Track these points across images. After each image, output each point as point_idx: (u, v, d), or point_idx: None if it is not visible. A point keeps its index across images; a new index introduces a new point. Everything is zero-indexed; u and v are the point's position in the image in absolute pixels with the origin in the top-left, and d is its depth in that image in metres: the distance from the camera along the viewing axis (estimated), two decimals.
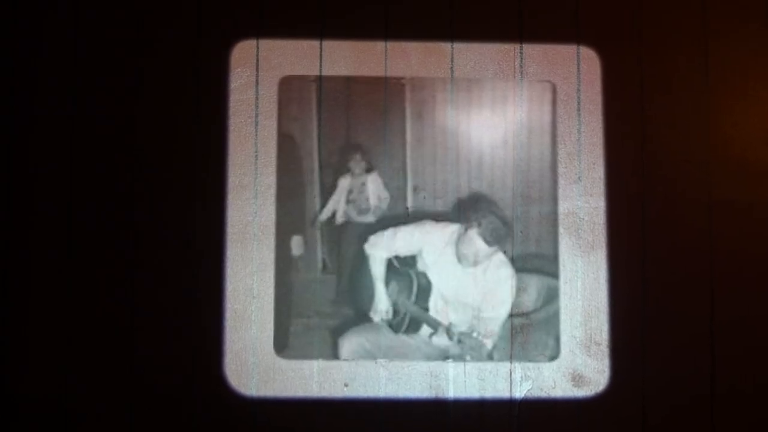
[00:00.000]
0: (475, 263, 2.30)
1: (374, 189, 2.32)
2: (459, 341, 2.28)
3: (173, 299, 2.25)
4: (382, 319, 2.29)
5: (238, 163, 2.30)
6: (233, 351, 2.25)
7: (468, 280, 2.31)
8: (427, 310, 2.31)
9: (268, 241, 2.29)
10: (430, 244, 2.32)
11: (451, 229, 2.32)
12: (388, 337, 2.30)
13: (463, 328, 2.28)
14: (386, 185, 2.33)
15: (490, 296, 2.30)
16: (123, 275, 2.26)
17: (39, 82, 2.30)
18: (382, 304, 2.31)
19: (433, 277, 2.32)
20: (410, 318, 2.30)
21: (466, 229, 2.30)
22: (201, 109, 2.30)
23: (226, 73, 2.31)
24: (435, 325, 2.30)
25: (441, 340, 2.29)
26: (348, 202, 2.33)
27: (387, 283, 2.32)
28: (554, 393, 2.27)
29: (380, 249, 2.31)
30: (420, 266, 2.33)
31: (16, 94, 2.30)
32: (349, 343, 2.28)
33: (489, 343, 2.27)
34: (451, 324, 2.29)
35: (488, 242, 2.28)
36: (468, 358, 2.26)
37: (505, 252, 2.31)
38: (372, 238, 2.31)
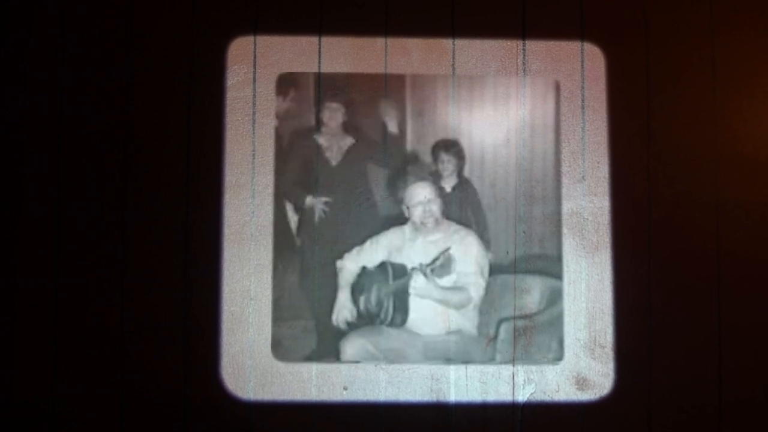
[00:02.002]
0: (427, 214, 2.28)
1: None
2: (432, 271, 2.26)
3: (168, 301, 2.22)
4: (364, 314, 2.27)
5: (235, 161, 2.27)
6: (230, 354, 2.22)
7: (436, 252, 2.29)
8: (404, 276, 2.29)
9: (266, 241, 2.26)
10: (395, 241, 2.30)
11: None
12: (390, 339, 2.26)
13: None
14: (357, 196, 2.31)
15: (458, 256, 2.29)
16: (115, 277, 2.22)
17: (27, 78, 2.27)
18: (344, 311, 2.28)
19: (405, 261, 2.30)
20: (394, 305, 2.27)
21: (403, 198, 2.31)
22: (197, 107, 2.27)
23: (223, 70, 2.28)
24: (410, 276, 2.28)
25: (418, 282, 2.27)
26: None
27: (353, 290, 2.29)
28: (558, 397, 2.24)
29: (351, 262, 2.29)
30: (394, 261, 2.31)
31: (2, 90, 2.26)
32: (351, 346, 2.25)
33: (452, 252, 2.26)
34: (420, 263, 2.27)
35: (420, 178, 2.29)
36: (443, 282, 2.25)
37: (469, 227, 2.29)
38: (346, 255, 2.29)
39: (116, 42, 2.28)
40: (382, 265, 2.30)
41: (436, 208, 2.30)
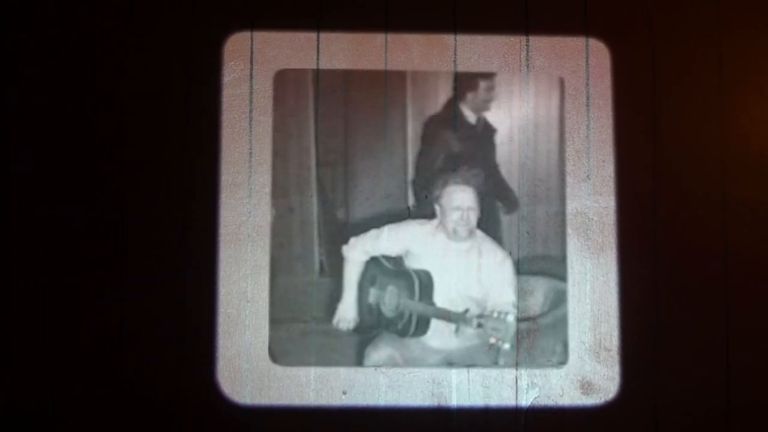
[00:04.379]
0: (464, 222, 2.20)
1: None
2: (479, 325, 2.19)
3: (163, 303, 2.18)
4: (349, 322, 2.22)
5: (231, 160, 2.23)
6: (226, 357, 2.18)
7: (466, 270, 2.22)
8: (432, 305, 2.22)
9: (263, 242, 2.22)
10: (418, 239, 2.24)
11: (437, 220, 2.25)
12: (411, 349, 2.21)
13: (477, 312, 2.20)
14: (357, 195, 2.25)
15: (491, 285, 2.22)
16: (110, 278, 2.18)
17: (21, 74, 2.23)
18: (349, 312, 2.22)
19: (432, 271, 2.23)
20: (417, 319, 2.21)
21: (439, 198, 2.23)
22: (192, 104, 2.23)
23: (219, 66, 2.25)
24: (446, 317, 2.20)
25: (466, 330, 2.20)
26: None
27: (360, 290, 2.23)
28: (562, 401, 2.20)
29: (359, 251, 2.23)
30: (415, 264, 2.25)
31: (1, 90, 2.23)
32: (377, 354, 2.21)
33: (511, 319, 2.18)
34: (466, 310, 2.20)
35: (465, 181, 2.22)
36: (493, 341, 2.17)
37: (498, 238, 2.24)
38: (352, 240, 2.23)
39: (112, 38, 2.25)
40: (406, 270, 2.23)
41: (473, 217, 2.23)
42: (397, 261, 2.26)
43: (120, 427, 2.16)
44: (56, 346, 2.17)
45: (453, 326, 2.20)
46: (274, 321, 2.20)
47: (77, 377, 2.17)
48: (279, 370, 2.19)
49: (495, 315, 2.19)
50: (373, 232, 2.23)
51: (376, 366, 2.20)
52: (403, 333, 2.22)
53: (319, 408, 2.18)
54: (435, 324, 2.22)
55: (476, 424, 2.19)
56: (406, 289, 2.23)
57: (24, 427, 2.16)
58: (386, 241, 2.24)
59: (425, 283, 2.23)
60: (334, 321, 2.22)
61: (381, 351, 2.21)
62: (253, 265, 2.21)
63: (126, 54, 2.25)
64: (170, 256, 2.19)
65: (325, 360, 2.20)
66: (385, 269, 2.25)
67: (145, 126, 2.23)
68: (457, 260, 2.24)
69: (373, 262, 2.25)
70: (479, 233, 2.25)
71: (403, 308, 2.23)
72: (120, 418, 2.16)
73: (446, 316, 2.21)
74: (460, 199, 2.23)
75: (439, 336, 2.22)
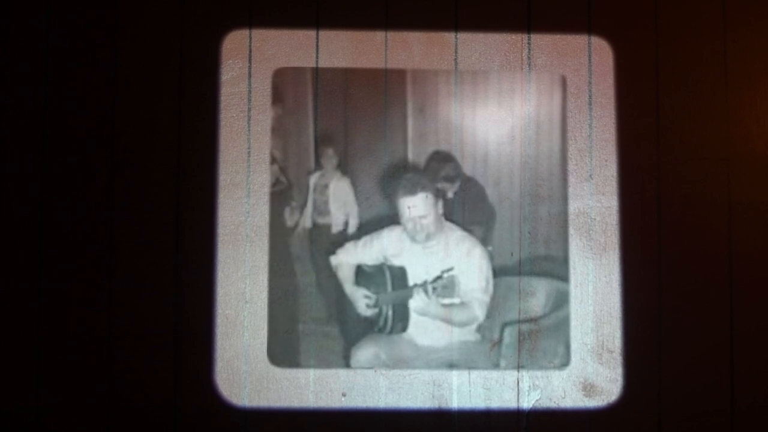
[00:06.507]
0: (418, 229, 2.20)
1: (337, 194, 2.22)
2: (434, 289, 2.19)
3: (159, 305, 2.16)
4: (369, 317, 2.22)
5: (229, 159, 2.21)
6: (224, 359, 2.16)
7: (438, 264, 2.22)
8: (405, 287, 2.22)
9: (262, 242, 2.20)
10: (391, 244, 2.24)
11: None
12: (401, 349, 2.20)
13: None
14: (357, 195, 2.23)
15: (462, 273, 2.21)
16: (102, 280, 2.16)
17: (8, 69, 2.20)
18: (362, 301, 2.21)
19: (406, 267, 2.23)
20: (393, 312, 2.21)
21: (396, 207, 2.23)
22: (189, 103, 2.21)
23: (217, 64, 2.22)
24: (409, 293, 2.21)
25: (418, 300, 2.20)
26: (313, 203, 2.24)
27: (357, 283, 2.22)
28: (564, 403, 2.18)
29: (347, 257, 2.23)
30: (393, 264, 2.25)
31: None
32: (363, 353, 2.19)
33: (455, 273, 2.19)
34: (425, 281, 2.21)
35: (408, 192, 2.21)
36: (446, 301, 2.19)
37: (471, 232, 2.23)
38: (338, 251, 2.23)
39: (108, 35, 2.22)
40: (380, 268, 2.23)
41: (428, 222, 2.22)
42: (379, 267, 2.25)
43: (118, 429, 2.14)
44: (48, 349, 2.15)
45: (409, 299, 2.21)
46: (273, 322, 2.18)
47: (67, 383, 2.14)
48: (278, 371, 2.17)
49: (444, 276, 2.19)
50: (350, 245, 2.23)
51: (362, 366, 2.18)
52: (382, 329, 2.21)
53: (318, 410, 2.16)
54: (419, 320, 2.21)
55: (478, 427, 2.17)
56: (381, 285, 2.23)
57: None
58: (362, 251, 2.23)
59: (398, 275, 2.23)
60: (361, 312, 2.21)
61: (365, 350, 2.19)
62: (252, 265, 2.19)
63: (123, 52, 2.22)
64: (166, 257, 2.17)
65: (324, 362, 2.18)
66: (366, 273, 2.24)
67: (142, 125, 2.21)
68: (427, 258, 2.23)
69: (358, 270, 2.25)
70: (448, 225, 2.23)
71: (381, 304, 2.21)
72: (119, 419, 2.14)
73: (409, 292, 2.21)
74: (409, 211, 2.22)
75: (426, 333, 2.21)
